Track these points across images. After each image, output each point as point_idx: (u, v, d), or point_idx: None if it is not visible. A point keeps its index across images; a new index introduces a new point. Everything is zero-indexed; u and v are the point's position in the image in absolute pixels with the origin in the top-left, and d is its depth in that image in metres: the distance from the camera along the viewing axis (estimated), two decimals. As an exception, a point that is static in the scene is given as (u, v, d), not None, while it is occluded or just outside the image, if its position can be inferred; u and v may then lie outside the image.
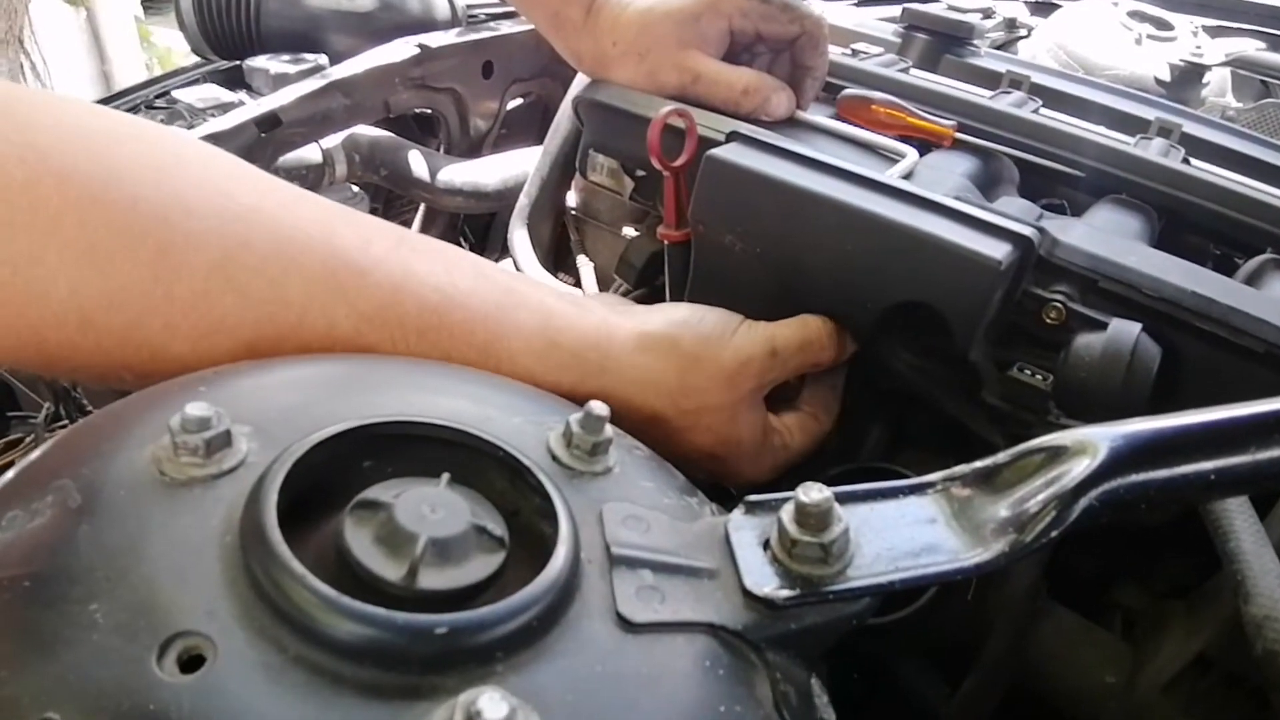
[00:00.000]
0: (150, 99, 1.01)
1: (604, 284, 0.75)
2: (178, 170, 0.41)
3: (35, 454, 0.32)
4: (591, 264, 0.77)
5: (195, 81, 1.04)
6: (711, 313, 0.51)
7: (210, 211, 0.40)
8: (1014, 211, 0.51)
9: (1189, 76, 0.98)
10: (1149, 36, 1.02)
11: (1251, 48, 1.07)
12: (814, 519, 0.31)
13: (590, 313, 0.49)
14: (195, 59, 1.10)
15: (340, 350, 0.42)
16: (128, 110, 0.99)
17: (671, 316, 0.50)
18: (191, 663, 0.24)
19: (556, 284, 0.75)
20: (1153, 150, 0.64)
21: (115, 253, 0.38)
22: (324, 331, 0.41)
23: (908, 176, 0.56)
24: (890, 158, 0.60)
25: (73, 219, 0.37)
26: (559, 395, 0.42)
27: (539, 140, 0.81)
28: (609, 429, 0.35)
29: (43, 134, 0.38)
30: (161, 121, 0.96)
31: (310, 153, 0.92)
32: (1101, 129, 0.67)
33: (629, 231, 0.74)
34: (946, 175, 0.58)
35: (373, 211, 1.08)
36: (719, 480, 0.53)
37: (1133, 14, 1.04)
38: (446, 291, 0.44)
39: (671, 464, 0.40)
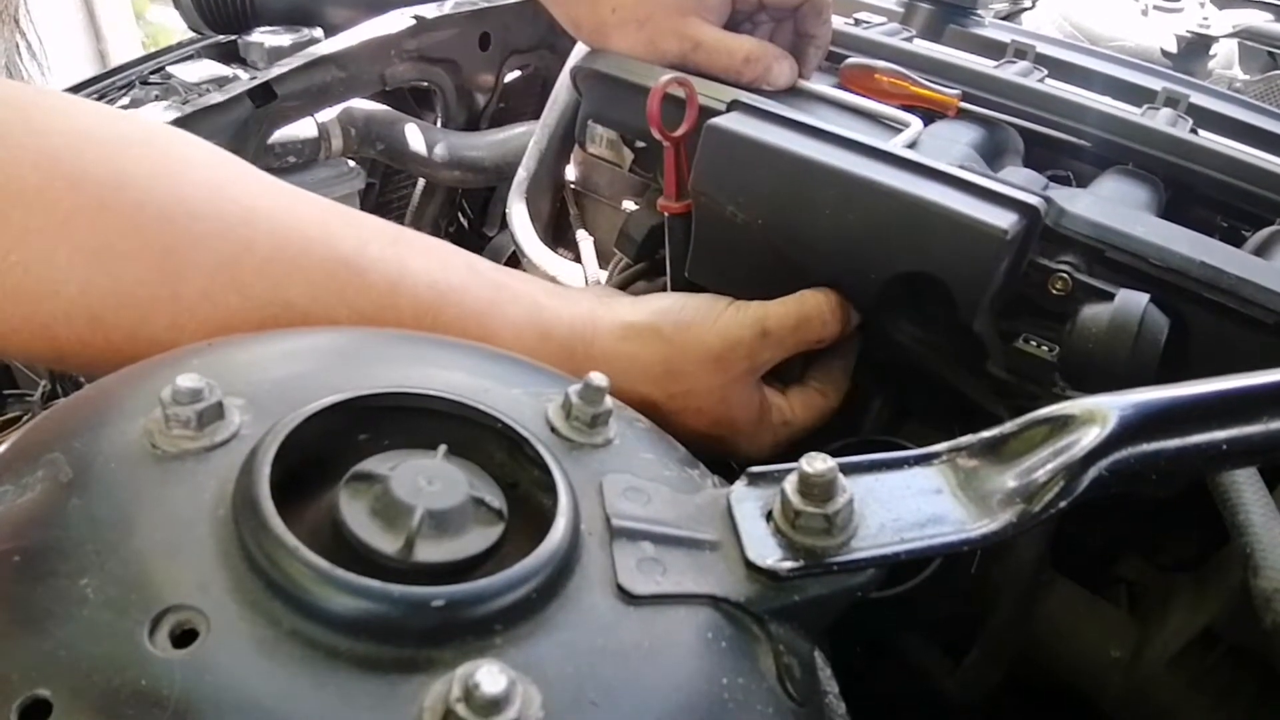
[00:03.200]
0: (145, 75, 0.99)
1: (604, 258, 0.75)
2: (184, 174, 0.42)
3: (26, 427, 0.32)
4: (591, 238, 0.76)
5: (190, 57, 1.03)
6: (695, 299, 0.52)
7: (215, 214, 0.42)
8: (1019, 181, 0.50)
9: (1196, 48, 0.97)
10: (1155, 8, 1.01)
11: (1259, 19, 1.05)
12: (818, 490, 0.30)
13: (577, 305, 0.51)
14: (192, 37, 1.08)
15: None
16: (123, 86, 0.98)
17: (655, 306, 0.52)
18: (184, 637, 0.24)
19: (549, 265, 0.74)
20: (1160, 120, 0.63)
21: (123, 254, 0.40)
22: None
23: (911, 146, 0.55)
24: (894, 127, 0.59)
25: (83, 222, 0.39)
26: None
27: (537, 114, 0.80)
28: (609, 400, 0.34)
29: (55, 138, 0.40)
30: (156, 97, 0.95)
31: (306, 127, 0.92)
32: (1107, 99, 0.66)
33: (629, 204, 0.73)
34: (951, 145, 0.57)
35: (370, 186, 1.07)
36: (719, 458, 0.52)
37: (1139, -16, 1.03)
38: (440, 289, 0.46)
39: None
